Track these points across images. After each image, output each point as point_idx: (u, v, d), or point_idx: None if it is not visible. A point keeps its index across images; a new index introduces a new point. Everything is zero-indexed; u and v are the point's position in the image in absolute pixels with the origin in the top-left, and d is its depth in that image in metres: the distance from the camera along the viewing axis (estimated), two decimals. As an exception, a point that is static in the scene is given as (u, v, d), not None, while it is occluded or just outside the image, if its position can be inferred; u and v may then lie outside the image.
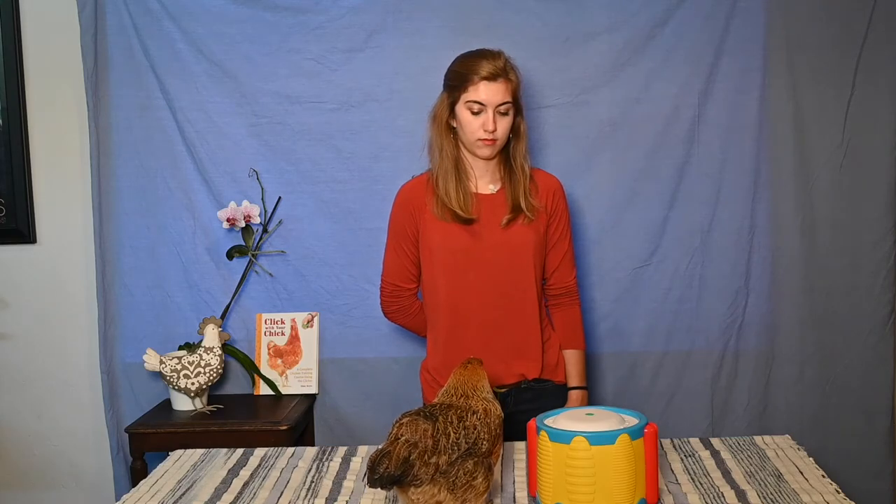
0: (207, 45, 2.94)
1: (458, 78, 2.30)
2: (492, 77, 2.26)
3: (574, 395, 2.45)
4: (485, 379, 1.85)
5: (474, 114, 2.28)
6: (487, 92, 2.26)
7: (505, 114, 2.30)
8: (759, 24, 2.87)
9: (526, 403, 2.34)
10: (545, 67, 2.85)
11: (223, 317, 3.01)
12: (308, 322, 3.04)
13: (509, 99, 2.29)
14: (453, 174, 2.34)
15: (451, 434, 1.70)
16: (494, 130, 2.28)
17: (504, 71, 2.28)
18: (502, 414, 1.82)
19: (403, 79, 2.93)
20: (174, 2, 2.92)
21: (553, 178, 2.46)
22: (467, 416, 1.74)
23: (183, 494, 1.99)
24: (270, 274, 3.03)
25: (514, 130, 2.37)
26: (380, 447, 1.71)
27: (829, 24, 2.86)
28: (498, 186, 2.39)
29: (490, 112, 2.27)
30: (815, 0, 2.85)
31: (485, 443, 1.74)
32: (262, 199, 2.98)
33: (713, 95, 2.90)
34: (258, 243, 3.00)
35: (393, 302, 2.51)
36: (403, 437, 1.68)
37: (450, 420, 1.72)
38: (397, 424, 1.73)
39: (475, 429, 1.73)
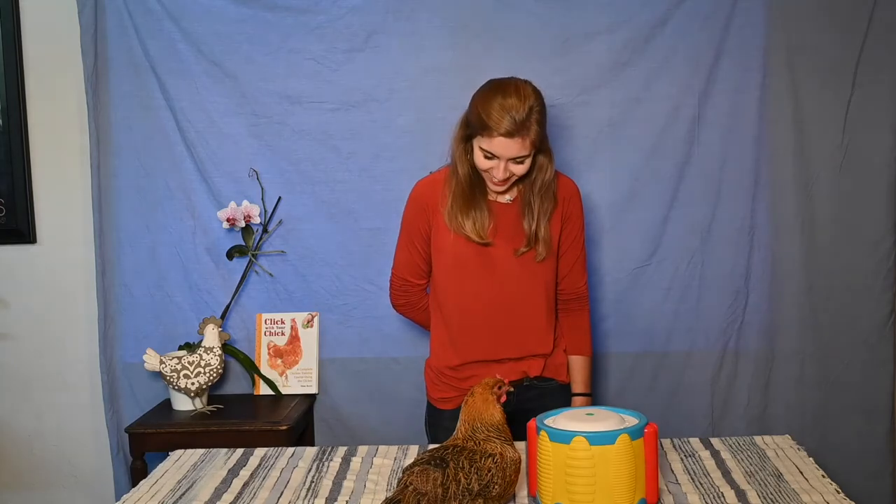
0: (207, 45, 2.94)
1: (477, 121, 2.19)
2: (509, 135, 2.14)
3: (578, 402, 2.44)
4: (493, 405, 1.85)
5: (487, 158, 2.21)
6: (502, 147, 2.17)
7: (520, 162, 2.22)
8: (759, 24, 2.87)
9: (529, 402, 2.34)
10: (545, 67, 2.84)
11: (223, 317, 3.01)
12: (308, 322, 3.04)
13: (525, 153, 2.19)
14: (468, 199, 2.28)
15: (462, 479, 1.72)
16: (504, 180, 2.24)
17: (525, 126, 2.14)
18: (519, 457, 1.83)
19: (403, 79, 2.93)
20: (174, 2, 2.92)
21: (571, 183, 2.42)
22: (480, 459, 1.75)
23: (183, 494, 2.00)
24: (270, 274, 3.03)
25: (537, 168, 2.28)
26: (389, 496, 1.74)
27: (829, 24, 2.86)
28: (515, 195, 2.37)
29: (502, 162, 2.19)
30: (815, 0, 2.85)
31: (497, 487, 1.75)
32: (262, 199, 2.98)
33: (713, 95, 2.90)
34: (258, 243, 3.00)
35: (401, 296, 2.50)
36: (412, 487, 1.71)
37: (461, 465, 1.73)
38: (408, 472, 1.75)
39: (489, 471, 1.74)
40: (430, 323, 2.50)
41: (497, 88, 2.20)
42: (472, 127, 2.22)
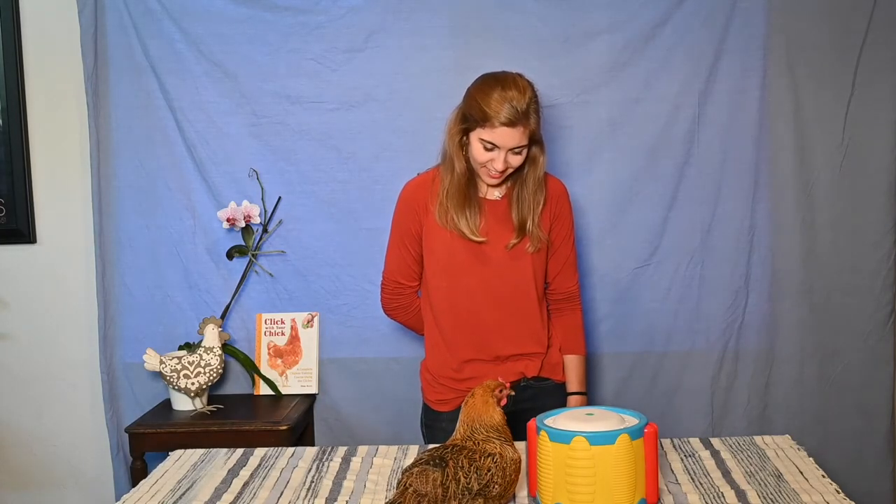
0: (207, 45, 2.94)
1: (477, 112, 2.20)
2: (511, 124, 2.17)
3: (573, 401, 2.44)
4: (493, 408, 1.85)
5: (486, 150, 2.22)
6: (504, 137, 2.19)
7: (518, 153, 2.24)
8: (759, 24, 2.87)
9: (525, 402, 2.34)
10: (545, 67, 2.85)
11: (223, 317, 3.01)
12: (308, 322, 3.04)
13: (525, 143, 2.22)
14: (464, 195, 2.30)
15: (462, 479, 1.72)
16: (504, 170, 2.25)
17: (525, 115, 2.18)
18: (519, 457, 1.83)
19: (403, 79, 2.93)
20: (174, 2, 2.92)
21: (559, 183, 2.44)
22: (480, 458, 1.75)
23: (183, 494, 2.00)
24: (270, 274, 3.03)
25: (529, 159, 2.30)
26: (390, 498, 1.74)
27: (829, 24, 2.86)
28: (504, 191, 2.38)
29: (502, 153, 2.21)
30: (815, 0, 2.85)
31: (497, 486, 1.75)
32: (262, 199, 2.98)
33: (713, 95, 2.90)
34: (258, 243, 3.00)
35: (394, 299, 2.50)
36: (412, 488, 1.71)
37: (460, 464, 1.73)
38: (407, 473, 1.75)
39: (489, 471, 1.74)
40: (422, 327, 2.50)
41: (495, 81, 2.23)
42: (471, 120, 2.23)
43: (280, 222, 3.01)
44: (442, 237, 2.34)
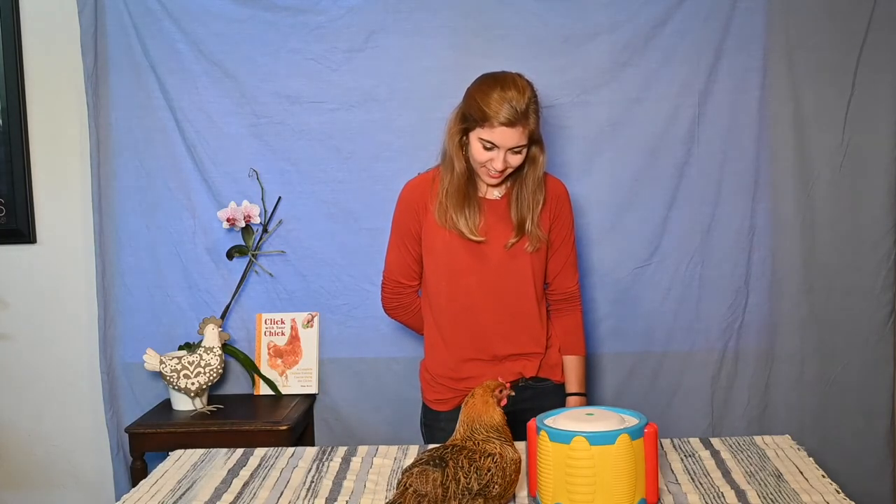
0: (207, 45, 2.94)
1: (477, 112, 2.21)
2: (510, 124, 2.17)
3: (572, 402, 2.44)
4: (493, 408, 1.85)
5: (486, 149, 2.23)
6: (503, 137, 2.19)
7: (517, 153, 2.25)
8: (759, 24, 2.87)
9: (524, 402, 2.34)
10: (545, 67, 2.84)
11: (223, 317, 3.01)
12: (308, 322, 3.04)
13: (524, 142, 2.23)
14: (463, 195, 2.30)
15: (462, 479, 1.72)
16: (503, 170, 2.26)
17: (525, 115, 2.19)
18: (519, 457, 1.83)
19: (403, 79, 2.93)
20: (174, 2, 2.92)
21: (559, 183, 2.44)
22: (480, 458, 1.75)
23: (183, 494, 2.00)
24: (270, 274, 3.03)
25: (529, 159, 2.31)
26: (390, 499, 1.74)
27: (829, 24, 2.86)
28: (503, 191, 2.38)
29: (502, 152, 2.22)
30: (815, 0, 2.85)
31: (497, 486, 1.75)
32: (262, 199, 2.98)
33: (713, 95, 2.90)
34: (258, 243, 3.00)
35: (394, 299, 2.50)
36: (412, 489, 1.71)
37: (460, 465, 1.73)
38: (407, 473, 1.75)
39: (489, 471, 1.74)
40: (422, 326, 2.50)
41: (494, 81, 2.23)
42: (471, 119, 2.23)
43: (280, 222, 3.01)
44: (441, 237, 2.34)
